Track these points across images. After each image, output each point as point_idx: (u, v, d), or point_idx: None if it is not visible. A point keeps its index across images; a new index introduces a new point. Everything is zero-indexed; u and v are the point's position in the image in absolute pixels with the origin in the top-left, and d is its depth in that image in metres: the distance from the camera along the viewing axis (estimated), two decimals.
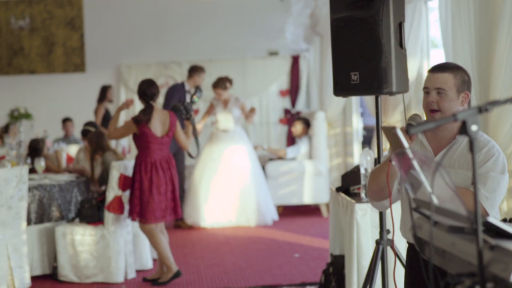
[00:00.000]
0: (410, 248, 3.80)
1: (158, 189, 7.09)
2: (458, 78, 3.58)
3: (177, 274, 7.11)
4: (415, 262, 3.64)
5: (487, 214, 3.43)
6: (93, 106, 12.61)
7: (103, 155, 8.03)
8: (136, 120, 7.11)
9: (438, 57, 7.90)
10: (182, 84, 10.48)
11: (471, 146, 2.28)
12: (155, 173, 7.10)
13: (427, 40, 7.33)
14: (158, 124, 7.17)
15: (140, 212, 7.07)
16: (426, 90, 3.63)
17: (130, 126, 7.17)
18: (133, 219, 7.10)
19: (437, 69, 3.64)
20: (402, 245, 5.11)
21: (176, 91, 10.37)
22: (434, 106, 3.58)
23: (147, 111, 7.12)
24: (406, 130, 2.57)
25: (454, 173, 3.49)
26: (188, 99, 9.97)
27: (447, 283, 2.47)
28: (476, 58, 5.12)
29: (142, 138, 7.15)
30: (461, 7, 5.24)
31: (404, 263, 4.64)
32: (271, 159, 11.22)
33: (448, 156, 3.56)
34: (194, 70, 10.45)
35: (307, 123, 11.21)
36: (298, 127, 11.21)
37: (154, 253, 8.06)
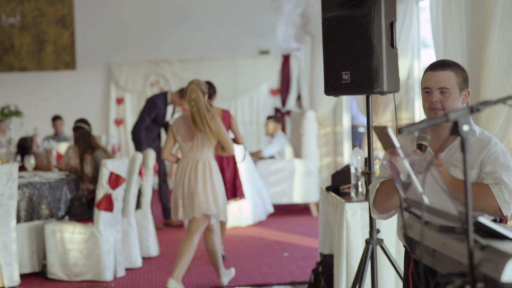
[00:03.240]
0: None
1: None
2: (459, 76, 3.46)
3: None
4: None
5: (504, 217, 3.32)
6: (83, 104, 12.55)
7: (93, 153, 7.99)
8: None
9: (429, 57, 7.92)
10: (165, 94, 9.86)
11: (463, 146, 2.28)
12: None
13: (418, 40, 7.35)
14: None
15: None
16: (427, 90, 3.47)
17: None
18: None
19: (437, 66, 3.49)
20: (391, 245, 5.12)
21: (159, 100, 9.76)
22: (438, 106, 3.42)
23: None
24: (399, 130, 2.57)
25: (459, 172, 3.38)
26: (169, 112, 9.77)
27: (438, 283, 2.47)
28: (467, 58, 5.13)
29: None
30: (452, 7, 5.24)
31: (394, 263, 4.65)
32: (260, 158, 11.18)
33: (449, 155, 3.47)
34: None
35: (278, 120, 11.35)
36: (270, 126, 11.26)
37: (143, 252, 8.06)
